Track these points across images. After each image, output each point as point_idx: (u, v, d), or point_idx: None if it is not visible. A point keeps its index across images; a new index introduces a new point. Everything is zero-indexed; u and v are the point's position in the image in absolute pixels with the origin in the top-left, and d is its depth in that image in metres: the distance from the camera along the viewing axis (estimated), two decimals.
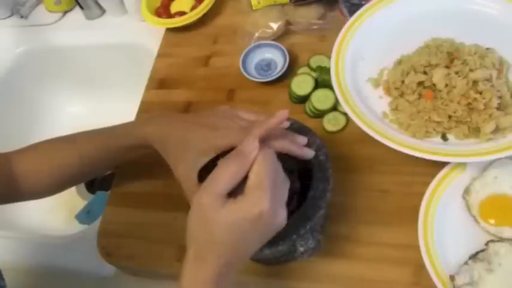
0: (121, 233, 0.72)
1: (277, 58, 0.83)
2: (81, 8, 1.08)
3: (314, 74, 0.77)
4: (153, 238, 0.71)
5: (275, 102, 0.79)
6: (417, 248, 0.58)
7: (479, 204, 0.60)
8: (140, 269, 0.71)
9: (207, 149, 0.56)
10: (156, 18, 0.95)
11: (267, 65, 0.84)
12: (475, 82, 0.64)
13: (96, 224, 0.75)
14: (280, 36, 0.86)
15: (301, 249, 0.52)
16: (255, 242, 0.48)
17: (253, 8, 0.86)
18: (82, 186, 1.13)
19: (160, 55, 0.94)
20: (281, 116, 0.53)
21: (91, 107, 1.23)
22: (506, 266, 0.55)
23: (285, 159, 0.62)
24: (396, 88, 0.69)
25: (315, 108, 0.73)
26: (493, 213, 0.59)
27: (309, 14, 0.84)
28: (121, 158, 0.68)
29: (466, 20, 0.73)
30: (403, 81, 0.68)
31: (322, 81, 0.75)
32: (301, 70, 0.79)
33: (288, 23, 0.86)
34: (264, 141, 0.56)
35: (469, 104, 0.63)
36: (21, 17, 1.15)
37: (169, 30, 0.96)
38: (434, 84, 0.66)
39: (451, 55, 0.67)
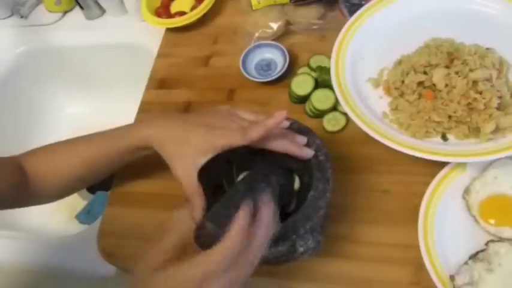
0: (121, 233, 0.72)
1: (277, 58, 0.83)
2: (81, 8, 1.08)
3: (314, 74, 0.77)
4: (153, 238, 0.70)
5: (275, 102, 0.79)
6: (417, 248, 0.58)
7: (479, 204, 0.60)
8: None
9: (206, 149, 0.56)
10: (156, 18, 0.95)
11: (267, 65, 0.84)
12: (475, 82, 0.64)
13: (96, 224, 0.75)
14: (280, 36, 0.86)
15: (301, 249, 0.52)
16: None
17: (253, 8, 0.86)
18: None
19: (160, 55, 0.94)
20: (279, 116, 0.53)
21: (91, 107, 1.23)
22: (506, 266, 0.55)
23: (285, 159, 0.63)
24: (396, 88, 0.69)
25: (315, 108, 0.74)
26: (493, 213, 0.59)
27: (309, 14, 0.84)
28: (121, 160, 0.68)
29: (466, 20, 0.73)
30: (403, 81, 0.68)
31: (322, 81, 0.75)
32: (301, 70, 0.79)
33: (288, 23, 0.86)
34: (263, 141, 0.56)
35: (469, 104, 0.63)
36: (21, 17, 1.15)
37: (169, 30, 0.96)
38: (434, 84, 0.66)
39: (451, 55, 0.67)
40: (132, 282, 0.47)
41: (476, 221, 0.60)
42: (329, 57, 0.74)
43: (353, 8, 0.80)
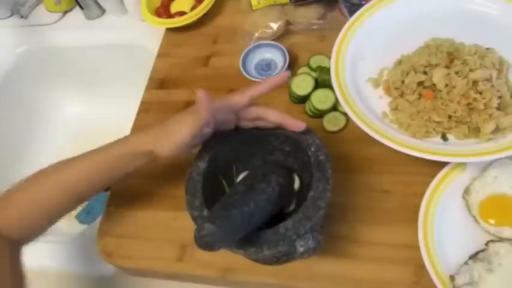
0: (121, 233, 0.72)
1: (277, 58, 0.83)
2: (81, 8, 1.08)
3: (314, 74, 0.77)
4: (153, 238, 0.70)
5: (275, 102, 0.78)
6: (417, 248, 0.58)
7: (479, 204, 0.60)
8: (140, 269, 0.70)
9: (184, 129, 0.56)
10: (156, 18, 0.95)
11: (267, 65, 0.84)
12: (475, 82, 0.64)
13: (96, 224, 0.75)
14: (280, 36, 0.86)
15: (301, 249, 0.52)
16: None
17: (253, 8, 0.86)
18: None
19: (160, 55, 0.94)
20: (280, 77, 0.59)
21: (91, 107, 1.23)
22: (506, 266, 0.55)
23: (285, 159, 0.63)
24: (396, 88, 0.69)
25: (315, 108, 0.73)
26: (493, 213, 0.59)
27: (309, 14, 0.84)
28: (111, 172, 0.64)
29: (466, 20, 0.73)
30: (403, 81, 0.68)
31: (322, 81, 0.75)
32: (301, 70, 0.79)
33: (288, 23, 0.86)
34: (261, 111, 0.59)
35: (469, 104, 0.63)
36: (21, 17, 1.15)
37: (169, 30, 0.96)
38: (434, 84, 0.66)
39: (451, 55, 0.67)
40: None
41: (476, 221, 0.60)
42: (329, 57, 0.74)
43: (353, 8, 0.80)
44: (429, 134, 0.64)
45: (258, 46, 0.84)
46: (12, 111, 1.16)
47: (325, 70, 0.75)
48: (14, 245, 0.60)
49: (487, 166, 0.62)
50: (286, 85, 0.78)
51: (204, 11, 0.92)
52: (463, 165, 0.63)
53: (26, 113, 1.20)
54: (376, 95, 0.71)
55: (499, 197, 0.60)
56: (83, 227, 1.04)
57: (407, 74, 0.68)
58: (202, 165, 0.59)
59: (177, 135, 0.57)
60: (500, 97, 0.63)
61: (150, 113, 0.85)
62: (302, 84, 0.76)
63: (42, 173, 0.63)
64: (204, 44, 0.92)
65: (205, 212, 0.56)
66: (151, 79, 0.90)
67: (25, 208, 0.61)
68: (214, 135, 0.61)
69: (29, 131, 1.19)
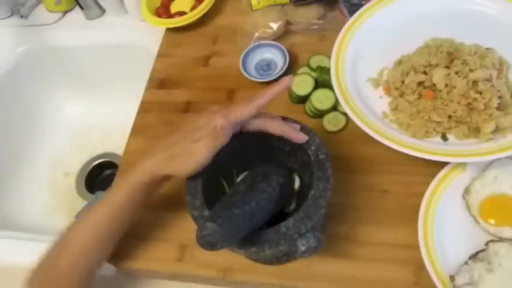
0: None
1: (277, 58, 0.83)
2: (81, 8, 1.08)
3: (314, 74, 0.77)
4: (153, 238, 0.71)
5: (275, 102, 0.77)
6: (417, 248, 0.58)
7: (479, 204, 0.60)
8: (140, 269, 0.70)
9: (204, 150, 0.57)
10: (156, 18, 0.95)
11: (267, 65, 0.84)
12: (475, 82, 0.64)
13: None
14: (280, 36, 0.86)
15: (303, 248, 0.52)
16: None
17: (253, 8, 0.86)
18: (82, 186, 1.13)
19: (160, 55, 0.94)
20: (284, 82, 0.59)
21: (91, 107, 1.23)
22: (506, 266, 0.55)
23: (285, 159, 0.63)
24: (396, 88, 0.69)
25: (315, 108, 0.74)
26: (493, 213, 0.59)
27: (309, 14, 0.84)
28: (132, 211, 0.64)
29: (466, 20, 0.73)
30: (403, 81, 0.68)
31: (322, 81, 0.75)
32: (301, 70, 0.79)
33: (288, 23, 0.86)
34: (265, 121, 0.59)
35: (469, 104, 0.63)
36: (21, 17, 1.15)
37: (169, 30, 0.96)
38: (434, 84, 0.66)
39: (451, 55, 0.67)
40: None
41: (476, 221, 0.60)
42: (329, 57, 0.74)
43: (353, 8, 0.80)
44: (429, 134, 0.64)
45: (258, 46, 0.84)
46: (12, 111, 1.16)
47: (325, 70, 0.75)
48: None
49: (487, 166, 0.62)
50: None
51: (204, 11, 0.92)
52: (463, 165, 0.63)
53: (26, 113, 1.20)
54: (376, 95, 0.71)
55: (499, 197, 0.60)
56: None
57: (407, 74, 0.68)
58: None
59: (198, 155, 0.56)
60: (500, 97, 0.63)
61: (150, 113, 0.85)
62: (302, 84, 0.76)
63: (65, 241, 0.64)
64: (204, 44, 0.92)
65: (206, 212, 0.56)
66: (151, 79, 0.90)
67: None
68: None
69: (29, 130, 1.19)
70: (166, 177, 0.61)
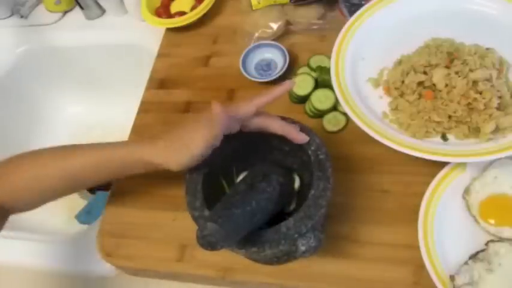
0: (121, 233, 0.72)
1: (277, 58, 0.83)
2: (81, 8, 1.08)
3: (314, 74, 0.77)
4: (153, 238, 0.71)
5: (275, 102, 0.78)
6: (417, 248, 0.58)
7: (479, 204, 0.60)
8: (140, 269, 0.71)
9: (200, 142, 0.56)
10: (156, 18, 0.95)
11: (267, 65, 0.84)
12: (475, 82, 0.64)
13: (96, 224, 0.75)
14: (280, 36, 0.86)
15: (303, 248, 0.52)
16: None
17: (253, 8, 0.86)
18: None
19: (160, 55, 0.94)
20: (286, 85, 0.60)
21: (91, 106, 1.23)
22: (506, 266, 0.55)
23: (285, 159, 0.63)
24: (396, 88, 0.69)
25: (315, 108, 0.74)
26: (493, 213, 0.59)
27: (309, 14, 0.84)
28: (112, 172, 0.64)
29: (466, 20, 0.73)
30: (403, 81, 0.68)
31: (322, 81, 0.75)
32: (301, 70, 0.79)
33: (288, 23, 0.86)
34: (265, 120, 0.59)
35: (469, 104, 0.63)
36: (21, 17, 1.15)
37: (169, 30, 0.96)
38: (434, 84, 0.66)
39: (451, 55, 0.67)
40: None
41: (476, 221, 0.60)
42: (329, 57, 0.74)
43: (353, 8, 0.80)
44: (429, 134, 0.64)
45: (258, 46, 0.84)
46: (12, 111, 1.16)
47: (325, 70, 0.75)
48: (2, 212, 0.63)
49: (487, 166, 0.62)
50: None
51: (204, 11, 0.92)
52: (463, 165, 0.63)
53: (26, 113, 1.20)
54: (376, 95, 0.71)
55: (499, 197, 0.60)
56: (83, 227, 1.04)
57: (407, 74, 0.68)
58: (202, 165, 0.59)
59: (194, 148, 0.56)
60: (500, 97, 0.63)
61: (150, 113, 0.85)
62: (302, 84, 0.76)
63: (42, 155, 0.64)
64: (204, 44, 0.92)
65: (206, 212, 0.56)
66: (151, 79, 0.90)
67: (21, 187, 0.63)
68: None
69: (29, 130, 1.19)
70: (159, 167, 0.60)
